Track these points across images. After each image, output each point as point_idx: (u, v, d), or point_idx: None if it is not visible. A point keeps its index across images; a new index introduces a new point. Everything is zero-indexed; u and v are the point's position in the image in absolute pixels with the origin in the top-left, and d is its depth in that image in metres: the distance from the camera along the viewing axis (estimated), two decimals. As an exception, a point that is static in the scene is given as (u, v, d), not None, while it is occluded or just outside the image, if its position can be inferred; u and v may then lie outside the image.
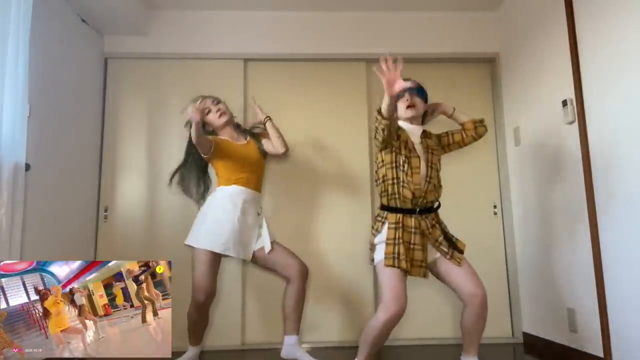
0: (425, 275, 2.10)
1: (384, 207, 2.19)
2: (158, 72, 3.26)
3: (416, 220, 2.11)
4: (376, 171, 2.24)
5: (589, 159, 2.31)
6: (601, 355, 2.23)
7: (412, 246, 2.09)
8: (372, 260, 2.19)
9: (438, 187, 2.22)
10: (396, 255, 2.05)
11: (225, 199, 2.48)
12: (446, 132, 2.34)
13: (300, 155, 3.20)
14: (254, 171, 2.59)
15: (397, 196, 2.12)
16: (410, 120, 2.24)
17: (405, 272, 2.07)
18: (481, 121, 2.31)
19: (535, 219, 2.85)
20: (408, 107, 2.20)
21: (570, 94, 2.44)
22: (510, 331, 3.12)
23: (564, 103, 2.47)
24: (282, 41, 3.29)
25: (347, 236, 3.14)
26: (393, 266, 2.04)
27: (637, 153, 2.01)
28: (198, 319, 2.49)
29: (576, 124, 2.40)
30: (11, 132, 2.10)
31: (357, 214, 3.17)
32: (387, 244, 2.09)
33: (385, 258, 2.08)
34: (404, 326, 2.94)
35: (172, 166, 3.16)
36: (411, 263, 2.08)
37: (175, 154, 3.18)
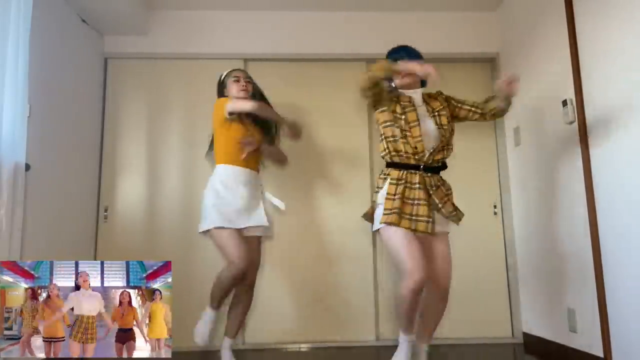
0: (432, 231, 2.02)
1: (388, 165, 2.15)
2: (158, 72, 3.26)
3: (420, 177, 2.06)
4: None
5: (589, 158, 2.31)
6: (601, 355, 2.23)
7: (416, 202, 2.03)
8: (371, 220, 2.16)
9: (448, 148, 2.17)
10: (396, 211, 1.99)
11: None
12: (457, 101, 2.25)
13: (299, 155, 3.20)
14: None
15: (399, 152, 2.09)
16: (409, 85, 2.19)
17: (412, 232, 2.01)
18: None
19: (535, 219, 2.85)
20: (404, 75, 2.16)
21: (570, 94, 2.44)
22: (510, 331, 3.12)
23: (564, 103, 2.46)
24: (282, 41, 3.29)
25: (347, 235, 3.13)
26: (392, 223, 1.98)
27: (637, 153, 2.01)
28: (228, 287, 2.39)
29: (576, 124, 2.40)
30: (11, 132, 2.11)
31: (357, 212, 3.15)
32: (386, 199, 2.04)
33: (384, 214, 2.01)
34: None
35: (172, 166, 3.18)
36: (416, 218, 2.01)
37: (175, 154, 3.19)
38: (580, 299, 2.40)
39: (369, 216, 2.22)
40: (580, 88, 2.36)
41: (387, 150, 2.14)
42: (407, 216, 2.02)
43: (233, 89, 2.55)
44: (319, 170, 3.21)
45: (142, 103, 3.24)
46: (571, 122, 2.44)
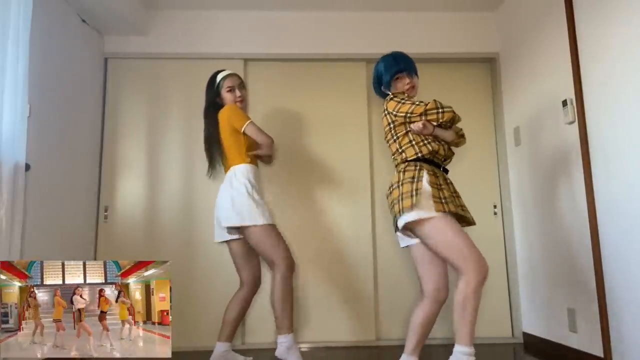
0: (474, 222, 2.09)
1: (415, 159, 2.04)
2: (158, 72, 3.26)
3: (442, 174, 2.07)
4: (392, 129, 2.11)
5: (589, 159, 2.31)
6: (601, 355, 2.23)
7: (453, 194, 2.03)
8: (402, 212, 1.94)
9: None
10: (450, 200, 1.96)
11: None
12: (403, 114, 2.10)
13: (299, 155, 3.20)
14: None
15: (431, 152, 2.05)
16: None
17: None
18: (462, 135, 2.23)
19: (535, 219, 2.85)
20: (408, 89, 2.20)
21: (570, 94, 2.44)
22: (510, 331, 3.12)
23: (564, 103, 2.47)
24: (282, 41, 3.29)
25: (347, 235, 3.14)
26: (444, 211, 1.90)
27: (637, 153, 2.01)
28: (290, 293, 2.38)
29: (576, 124, 2.40)
30: (11, 132, 2.11)
31: (358, 213, 3.17)
32: (432, 187, 1.94)
33: (437, 202, 1.91)
34: (399, 326, 2.94)
35: (172, 166, 3.18)
36: (462, 208, 2.00)
37: (175, 154, 3.19)
38: (580, 299, 2.40)
39: (401, 208, 1.97)
40: (580, 88, 2.36)
41: (421, 151, 2.05)
42: (452, 201, 1.98)
43: (228, 98, 2.51)
44: (318, 171, 3.21)
45: (142, 103, 3.24)
46: (571, 122, 2.44)
